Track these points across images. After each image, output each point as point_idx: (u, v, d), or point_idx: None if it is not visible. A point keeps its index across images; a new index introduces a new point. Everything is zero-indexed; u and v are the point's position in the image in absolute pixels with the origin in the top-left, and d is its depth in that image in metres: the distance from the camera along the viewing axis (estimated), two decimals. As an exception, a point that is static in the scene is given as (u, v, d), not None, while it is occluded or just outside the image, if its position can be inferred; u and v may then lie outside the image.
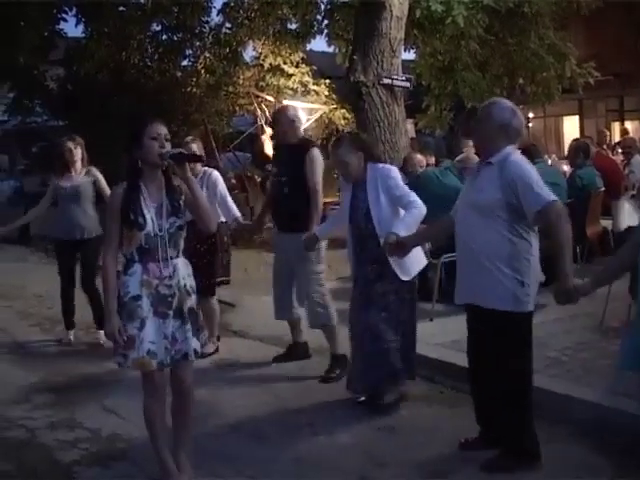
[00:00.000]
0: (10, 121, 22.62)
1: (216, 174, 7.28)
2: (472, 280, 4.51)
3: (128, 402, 5.13)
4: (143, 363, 4.12)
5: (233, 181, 16.91)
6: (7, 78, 16.34)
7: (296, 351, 6.87)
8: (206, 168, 7.25)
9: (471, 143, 8.72)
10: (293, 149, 6.48)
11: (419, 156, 9.50)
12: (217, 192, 7.12)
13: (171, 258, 4.19)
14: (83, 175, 7.79)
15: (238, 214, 7.30)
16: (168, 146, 4.18)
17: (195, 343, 4.25)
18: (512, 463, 4.50)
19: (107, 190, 7.52)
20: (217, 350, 7.18)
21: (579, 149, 9.55)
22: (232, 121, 20.47)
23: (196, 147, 7.01)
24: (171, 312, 4.17)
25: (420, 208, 5.37)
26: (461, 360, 6.14)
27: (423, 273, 6.09)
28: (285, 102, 18.51)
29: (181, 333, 4.19)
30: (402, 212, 5.43)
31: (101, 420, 5.57)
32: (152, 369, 4.15)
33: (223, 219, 7.15)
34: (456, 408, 5.48)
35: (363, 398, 5.70)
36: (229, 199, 7.27)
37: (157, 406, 4.30)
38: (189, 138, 7.41)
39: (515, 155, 4.43)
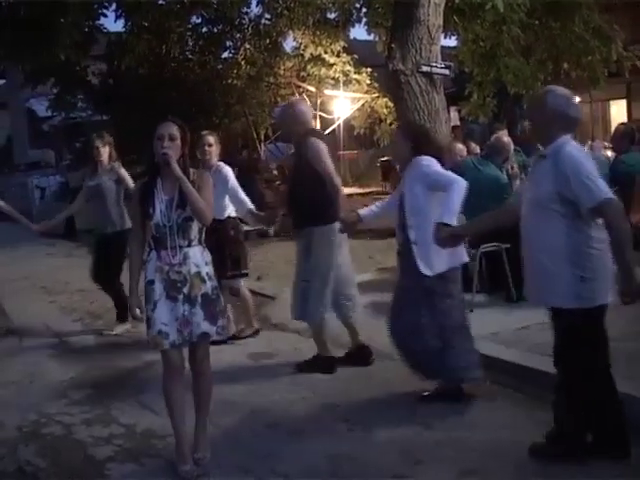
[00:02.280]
0: (56, 117, 22.88)
1: (227, 169, 7.32)
2: (535, 280, 4.42)
3: (163, 397, 5.09)
4: (156, 341, 4.49)
5: (275, 172, 16.89)
6: (50, 74, 16.50)
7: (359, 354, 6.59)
8: (219, 163, 7.30)
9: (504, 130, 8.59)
10: (297, 145, 6.40)
11: (460, 145, 9.34)
12: (229, 187, 7.18)
13: (181, 247, 4.51)
14: (107, 172, 7.85)
15: (251, 205, 7.28)
16: (174, 146, 4.48)
17: (206, 327, 4.52)
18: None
19: (132, 186, 7.54)
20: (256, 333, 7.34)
21: (625, 134, 9.34)
22: (274, 112, 20.44)
23: (212, 139, 7.22)
24: (181, 296, 4.49)
25: (458, 184, 5.14)
26: (496, 352, 6.09)
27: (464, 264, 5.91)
28: (327, 92, 18.51)
29: (192, 316, 4.49)
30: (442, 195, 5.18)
31: (136, 416, 5.58)
32: (164, 348, 4.50)
33: (233, 214, 7.29)
34: (494, 402, 5.38)
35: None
36: (240, 192, 7.27)
37: (173, 383, 4.61)
38: (205, 132, 7.46)
39: (569, 146, 4.27)
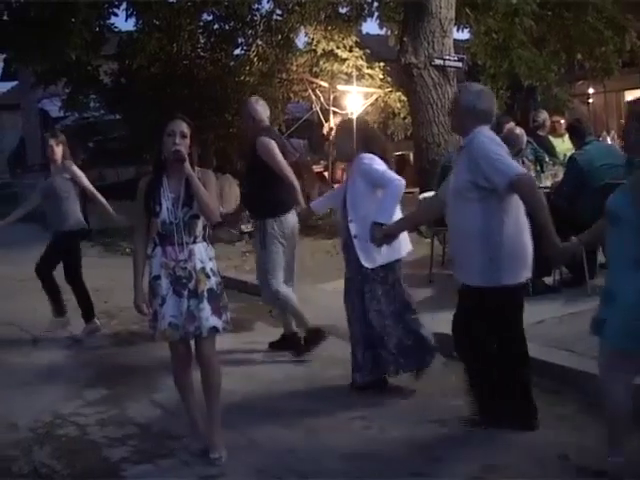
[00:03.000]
0: (69, 117, 22.89)
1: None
2: (456, 260, 4.92)
3: (177, 396, 5.06)
4: (166, 335, 4.62)
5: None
6: (61, 74, 16.48)
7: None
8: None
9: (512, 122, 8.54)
10: (251, 143, 6.71)
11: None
12: None
13: (187, 244, 4.61)
14: (60, 171, 7.93)
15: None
16: (184, 144, 4.56)
17: (214, 321, 4.62)
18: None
19: (88, 185, 7.93)
20: None
21: None
22: (287, 108, 20.36)
23: None
24: (186, 292, 4.59)
25: (396, 184, 5.42)
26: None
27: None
28: (340, 87, 18.41)
29: (198, 311, 4.58)
30: (380, 194, 5.47)
31: (151, 416, 5.56)
32: (175, 339, 4.65)
33: None
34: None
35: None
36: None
37: (182, 373, 4.82)
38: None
39: (480, 135, 4.62)
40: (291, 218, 6.71)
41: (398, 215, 5.52)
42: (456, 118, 4.92)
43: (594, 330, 4.07)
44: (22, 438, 5.34)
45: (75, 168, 7.99)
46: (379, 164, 5.54)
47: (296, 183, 6.65)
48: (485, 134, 4.65)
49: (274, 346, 6.97)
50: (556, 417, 4.93)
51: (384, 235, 5.17)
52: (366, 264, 5.50)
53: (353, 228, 5.55)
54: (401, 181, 5.45)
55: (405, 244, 5.70)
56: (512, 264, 4.60)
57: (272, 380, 6.21)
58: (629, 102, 20.64)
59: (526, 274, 4.70)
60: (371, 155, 5.59)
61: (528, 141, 8.97)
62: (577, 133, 7.96)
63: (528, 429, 4.73)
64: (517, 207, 4.60)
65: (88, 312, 8.08)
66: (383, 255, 5.48)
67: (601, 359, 4.09)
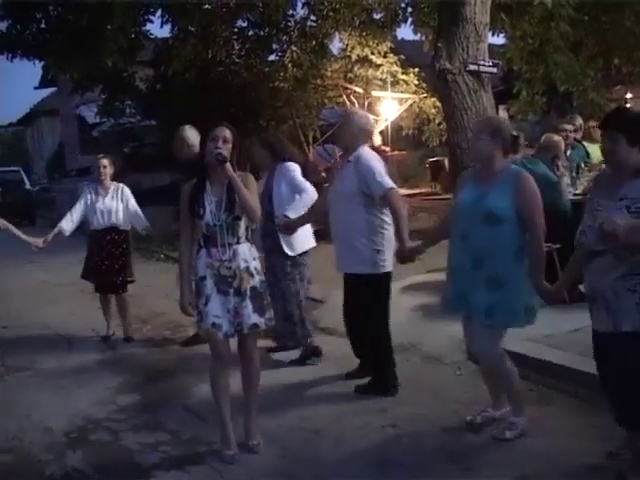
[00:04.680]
0: (105, 122, 23.11)
1: (127, 189, 8.20)
2: (343, 253, 5.84)
3: (209, 402, 5.07)
4: (209, 333, 4.76)
5: (323, 174, 16.82)
6: (98, 81, 16.64)
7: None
8: (119, 184, 8.18)
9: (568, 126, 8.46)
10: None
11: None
12: (130, 205, 8.10)
13: (230, 244, 4.78)
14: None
15: (147, 224, 8.17)
16: (226, 148, 4.76)
17: (256, 318, 4.79)
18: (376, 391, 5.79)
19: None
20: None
21: None
22: (322, 114, 20.38)
23: (107, 162, 8.18)
24: (231, 290, 4.76)
25: (309, 194, 6.61)
26: (550, 356, 5.95)
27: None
28: (374, 93, 18.40)
29: (242, 309, 4.76)
30: (297, 197, 6.57)
31: (182, 422, 5.56)
32: (218, 339, 4.76)
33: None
34: (548, 407, 5.27)
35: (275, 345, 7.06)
36: (139, 212, 8.16)
37: (220, 371, 4.89)
38: (100, 155, 8.36)
39: (366, 152, 5.79)
40: None
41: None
42: (346, 137, 5.89)
43: (483, 318, 4.68)
44: (56, 442, 5.38)
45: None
46: (299, 174, 6.76)
47: None
48: (368, 152, 5.82)
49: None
50: (590, 427, 4.86)
51: (286, 225, 6.33)
52: (288, 252, 6.67)
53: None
54: (313, 193, 6.66)
55: (311, 240, 6.96)
56: (390, 255, 5.71)
57: (302, 386, 6.21)
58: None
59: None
60: (295, 164, 6.83)
61: (573, 145, 8.93)
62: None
63: (390, 395, 5.76)
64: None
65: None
66: (302, 245, 6.76)
67: (491, 340, 4.76)
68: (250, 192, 4.79)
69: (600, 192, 4.16)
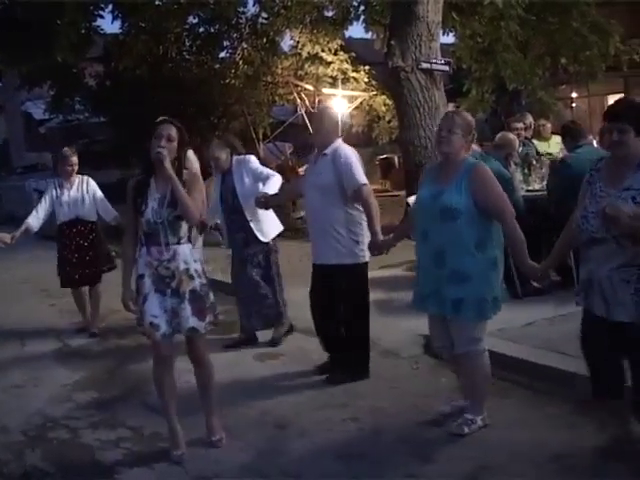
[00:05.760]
0: (53, 119, 22.80)
1: (92, 181, 8.22)
2: (321, 244, 5.93)
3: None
4: (148, 332, 4.69)
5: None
6: (47, 76, 16.43)
7: None
8: (84, 177, 8.24)
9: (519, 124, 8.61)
10: None
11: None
12: (96, 197, 8.15)
13: (171, 244, 4.69)
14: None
15: (116, 214, 8.13)
16: (170, 146, 4.67)
17: (194, 322, 4.70)
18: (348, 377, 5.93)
19: None
20: None
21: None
22: (272, 111, 20.37)
23: (75, 159, 8.10)
24: (169, 290, 4.68)
25: (275, 177, 6.95)
26: (505, 349, 6.03)
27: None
28: (325, 90, 18.42)
29: (180, 310, 4.68)
30: (261, 186, 6.88)
31: (143, 419, 5.53)
32: (156, 338, 4.68)
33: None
34: (505, 399, 5.34)
35: (241, 336, 7.32)
36: (107, 203, 8.22)
37: (162, 370, 4.83)
38: (67, 149, 8.26)
39: (343, 147, 5.91)
40: None
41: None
42: (323, 131, 5.94)
43: (452, 313, 4.74)
44: (13, 441, 5.31)
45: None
46: (258, 163, 7.16)
47: None
48: (346, 146, 5.95)
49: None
50: (548, 417, 4.96)
51: (264, 199, 6.50)
52: (262, 239, 7.02)
53: (248, 214, 6.95)
54: (279, 176, 7.06)
55: (279, 225, 7.33)
56: (366, 246, 5.78)
57: (262, 382, 6.21)
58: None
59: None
60: (254, 157, 7.21)
61: (524, 143, 9.06)
62: (571, 134, 7.96)
63: (365, 377, 5.98)
64: None
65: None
66: (272, 231, 7.14)
67: (471, 336, 4.80)
68: (194, 192, 4.71)
69: (603, 180, 4.16)
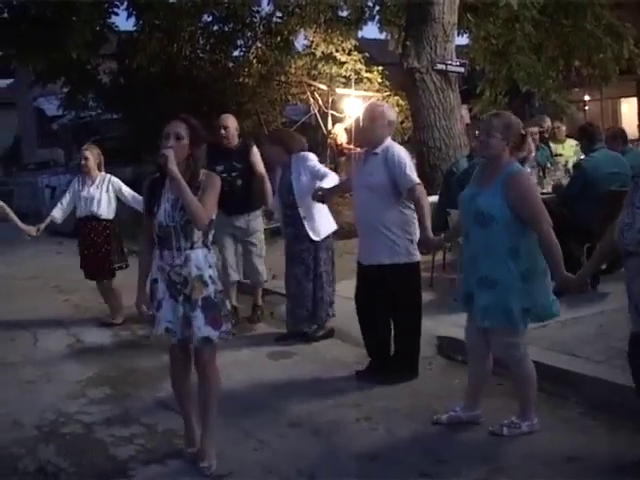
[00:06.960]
0: (65, 116, 22.84)
1: (115, 179, 8.32)
2: (374, 245, 5.85)
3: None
4: (162, 339, 4.60)
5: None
6: (61, 73, 16.47)
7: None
8: (105, 174, 8.29)
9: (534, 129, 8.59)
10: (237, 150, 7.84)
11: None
12: (123, 192, 8.25)
13: (184, 249, 4.47)
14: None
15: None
16: (179, 145, 4.42)
17: (208, 331, 4.49)
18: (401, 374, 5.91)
19: None
20: None
21: (616, 136, 9.03)
22: (285, 110, 20.37)
23: (89, 154, 8.24)
24: (181, 297, 4.49)
25: (333, 177, 6.97)
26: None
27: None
28: (338, 90, 18.43)
29: (192, 319, 4.48)
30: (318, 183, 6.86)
31: (156, 415, 5.55)
32: (173, 343, 4.61)
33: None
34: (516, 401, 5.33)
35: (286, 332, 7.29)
36: (136, 194, 8.05)
37: (180, 379, 4.77)
38: (85, 146, 8.50)
39: (396, 146, 5.88)
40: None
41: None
42: (376, 130, 5.83)
43: (480, 319, 4.70)
44: (27, 436, 5.33)
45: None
46: (317, 161, 7.20)
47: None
48: (397, 145, 5.93)
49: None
50: (561, 420, 4.96)
51: (322, 194, 6.59)
52: (314, 237, 6.98)
53: (302, 212, 6.96)
54: (335, 175, 7.08)
55: (333, 223, 7.29)
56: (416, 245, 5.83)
57: (276, 381, 6.21)
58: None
59: None
60: (312, 154, 7.23)
61: (540, 147, 9.04)
62: (588, 136, 7.91)
63: (415, 377, 5.95)
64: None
65: None
66: (324, 229, 7.08)
67: (505, 342, 4.74)
68: (208, 193, 4.45)
69: None
